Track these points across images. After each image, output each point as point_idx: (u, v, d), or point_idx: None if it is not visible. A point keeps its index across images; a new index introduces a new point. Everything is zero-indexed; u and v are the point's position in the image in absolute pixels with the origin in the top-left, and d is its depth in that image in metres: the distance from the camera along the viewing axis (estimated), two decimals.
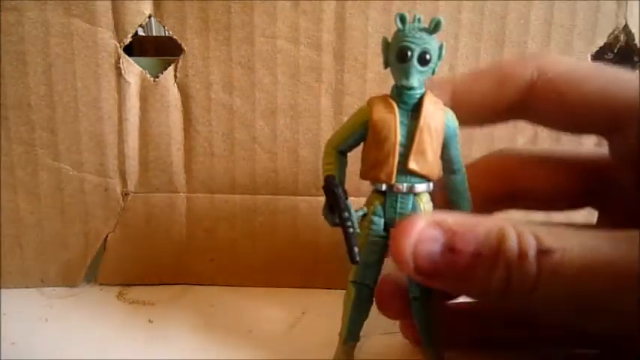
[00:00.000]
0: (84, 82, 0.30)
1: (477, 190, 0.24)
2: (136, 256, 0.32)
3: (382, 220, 0.23)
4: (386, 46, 0.22)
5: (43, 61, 0.29)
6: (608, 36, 0.30)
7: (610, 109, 0.21)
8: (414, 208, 0.22)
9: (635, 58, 0.31)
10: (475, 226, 0.19)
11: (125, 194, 0.32)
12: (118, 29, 0.29)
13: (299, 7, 0.29)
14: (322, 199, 0.32)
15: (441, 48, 0.22)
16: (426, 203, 0.22)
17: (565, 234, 0.18)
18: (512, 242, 0.18)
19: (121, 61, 0.30)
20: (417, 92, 0.21)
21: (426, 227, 0.19)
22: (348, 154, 0.24)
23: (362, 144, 0.23)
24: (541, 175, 0.24)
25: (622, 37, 0.30)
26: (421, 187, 0.22)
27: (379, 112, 0.22)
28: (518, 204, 0.26)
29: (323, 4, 0.29)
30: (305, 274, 0.33)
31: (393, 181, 0.22)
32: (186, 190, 0.32)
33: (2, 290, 0.31)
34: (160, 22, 0.30)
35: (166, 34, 0.30)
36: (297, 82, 0.30)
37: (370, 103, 0.22)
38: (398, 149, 0.21)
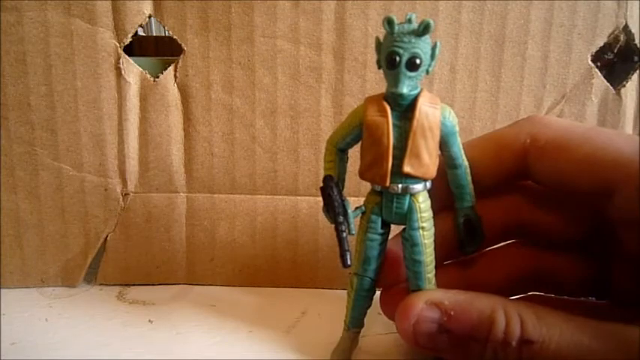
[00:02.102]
0: (84, 82, 0.30)
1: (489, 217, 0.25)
2: (136, 256, 0.32)
3: (379, 219, 0.23)
4: (378, 46, 0.22)
5: (43, 61, 0.29)
6: (608, 36, 0.30)
7: (602, 173, 0.21)
8: (410, 208, 0.22)
9: (635, 58, 0.31)
10: (469, 308, 0.21)
11: (125, 194, 0.32)
12: (118, 29, 0.29)
13: (299, 7, 0.29)
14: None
15: (434, 48, 0.21)
16: (422, 203, 0.23)
17: (550, 322, 0.20)
18: (499, 330, 0.21)
19: (121, 61, 0.30)
20: (410, 96, 0.21)
21: (424, 308, 0.22)
22: (351, 152, 0.24)
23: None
24: (552, 211, 0.25)
25: (622, 37, 0.30)
26: (417, 187, 0.22)
27: (372, 115, 0.22)
28: (526, 236, 0.26)
29: (323, 4, 0.29)
30: (305, 274, 0.33)
31: (388, 183, 0.22)
32: (186, 190, 0.32)
33: (2, 290, 0.31)
34: (160, 22, 0.30)
35: (166, 34, 0.30)
36: (297, 82, 0.30)
37: (365, 103, 0.22)
38: (391, 152, 0.21)
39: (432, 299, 0.22)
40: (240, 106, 0.31)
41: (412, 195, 0.22)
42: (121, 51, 0.30)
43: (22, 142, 0.30)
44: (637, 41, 0.30)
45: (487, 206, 0.25)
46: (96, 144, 0.31)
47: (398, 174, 0.22)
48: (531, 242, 0.26)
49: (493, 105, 0.31)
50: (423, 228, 0.23)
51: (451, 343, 0.22)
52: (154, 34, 0.48)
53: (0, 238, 0.31)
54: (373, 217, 0.23)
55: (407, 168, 0.21)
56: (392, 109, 0.22)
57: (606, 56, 0.31)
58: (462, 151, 0.23)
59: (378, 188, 0.23)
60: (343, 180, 0.24)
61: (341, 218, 0.22)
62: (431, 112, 0.21)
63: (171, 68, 0.30)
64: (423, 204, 0.23)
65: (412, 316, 0.22)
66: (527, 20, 0.30)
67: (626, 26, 0.30)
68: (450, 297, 0.22)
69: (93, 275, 0.33)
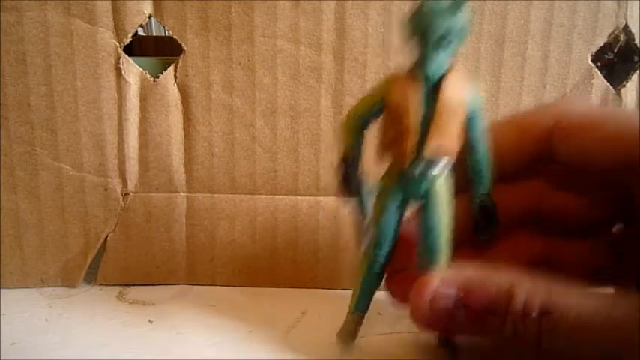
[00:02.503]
0: (84, 82, 0.30)
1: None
2: (136, 256, 0.32)
3: (396, 199, 0.22)
4: (409, 22, 0.21)
5: (43, 61, 0.29)
6: (608, 36, 0.30)
7: (627, 149, 0.21)
8: (429, 190, 0.22)
9: (635, 58, 0.31)
10: (487, 282, 0.21)
11: (125, 194, 0.32)
12: (118, 29, 0.29)
13: (299, 7, 0.29)
14: (322, 199, 0.32)
15: (462, 28, 0.20)
16: (441, 185, 0.22)
17: (569, 292, 0.20)
18: (519, 302, 0.20)
19: (121, 61, 0.30)
20: (435, 74, 0.20)
21: (441, 285, 0.21)
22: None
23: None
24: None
25: (622, 37, 0.30)
26: (437, 168, 0.21)
27: (396, 92, 0.21)
28: (544, 222, 0.26)
29: (323, 4, 0.29)
30: (305, 274, 0.33)
31: (408, 163, 0.21)
32: (186, 190, 0.32)
33: (2, 290, 0.31)
34: (160, 22, 0.30)
35: (166, 34, 0.30)
36: (297, 82, 0.30)
37: (389, 80, 0.21)
38: (413, 131, 0.21)
39: (449, 276, 0.22)
40: (240, 106, 0.31)
41: (432, 176, 0.21)
42: (121, 51, 0.30)
43: (22, 142, 0.30)
44: (637, 41, 0.30)
45: (508, 191, 0.24)
46: (96, 144, 0.31)
47: (418, 155, 0.21)
48: (547, 229, 0.26)
49: (493, 105, 0.31)
50: (441, 211, 0.22)
51: (469, 319, 0.21)
52: (154, 34, 0.48)
53: (0, 238, 0.31)
54: (389, 197, 0.22)
55: (429, 148, 0.21)
56: (416, 86, 0.21)
57: (606, 56, 0.31)
58: (483, 138, 0.22)
59: (396, 167, 0.22)
60: (359, 159, 0.23)
61: (355, 200, 0.22)
62: (457, 92, 0.20)
63: (171, 68, 0.30)
64: (442, 186, 0.22)
65: (428, 292, 0.21)
66: (527, 20, 0.30)
67: (626, 26, 0.30)
68: (467, 273, 0.21)
69: (93, 275, 0.33)
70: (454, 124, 0.21)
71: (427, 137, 0.21)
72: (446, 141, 0.21)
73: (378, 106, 0.22)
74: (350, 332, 0.25)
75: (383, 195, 0.23)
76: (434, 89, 0.20)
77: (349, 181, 0.22)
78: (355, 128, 0.23)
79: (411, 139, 0.21)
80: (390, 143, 0.21)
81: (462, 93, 0.21)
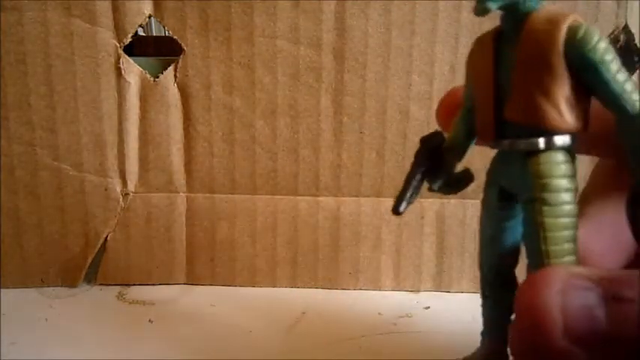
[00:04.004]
0: (84, 82, 0.30)
1: None
2: (136, 256, 0.32)
3: (495, 189, 0.17)
4: None
5: (43, 61, 0.29)
6: (608, 36, 0.30)
7: None
8: (524, 172, 0.16)
9: (635, 58, 0.30)
10: (633, 276, 0.14)
11: (125, 194, 0.32)
12: (118, 29, 0.29)
13: (299, 7, 0.29)
14: (322, 199, 0.32)
15: None
16: (543, 164, 0.15)
17: None
18: None
19: (121, 61, 0.30)
20: (517, 11, 0.16)
21: (573, 276, 0.14)
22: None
23: None
24: None
25: (622, 37, 0.30)
26: (531, 142, 0.15)
27: (474, 49, 0.17)
28: None
29: (323, 4, 0.29)
30: (305, 274, 0.33)
31: (492, 136, 0.16)
32: (186, 190, 0.32)
33: (2, 290, 0.31)
34: (160, 22, 0.30)
35: (166, 34, 0.30)
36: (297, 82, 0.30)
37: (476, 39, 0.17)
38: (494, 91, 0.16)
39: (577, 270, 0.14)
40: (240, 106, 0.31)
41: (527, 153, 0.16)
42: (121, 51, 0.30)
43: (22, 142, 0.30)
44: (637, 41, 0.30)
45: None
46: (96, 144, 0.31)
47: (507, 124, 0.16)
48: None
49: None
50: (543, 201, 0.15)
51: (628, 321, 0.13)
52: (154, 34, 0.48)
53: (0, 238, 0.31)
54: (489, 184, 0.18)
55: (508, 112, 0.16)
56: (498, 36, 0.16)
57: None
58: (630, 93, 0.15)
59: (494, 147, 0.17)
60: (460, 147, 0.18)
61: (418, 168, 0.18)
62: (544, 33, 0.15)
63: (171, 68, 0.30)
64: (544, 166, 0.15)
65: (555, 282, 0.14)
66: None
67: (626, 26, 0.30)
68: (599, 271, 0.14)
69: (93, 275, 0.33)
70: (547, 78, 0.15)
71: (506, 101, 0.16)
72: (537, 101, 0.15)
73: (471, 78, 0.18)
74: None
75: (486, 182, 0.18)
76: (516, 32, 0.16)
77: (420, 158, 0.18)
78: (463, 110, 0.18)
79: (492, 102, 0.16)
80: (478, 116, 0.17)
81: (554, 33, 0.15)
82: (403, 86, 0.30)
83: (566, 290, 0.14)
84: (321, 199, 0.32)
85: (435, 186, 0.19)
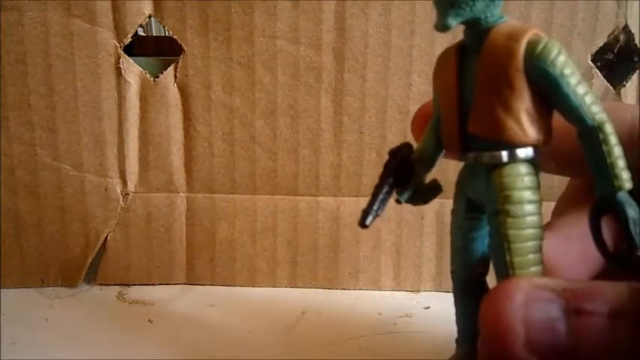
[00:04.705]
0: (84, 82, 0.30)
1: None
2: (136, 256, 0.32)
3: (463, 199, 0.18)
4: None
5: (43, 61, 0.29)
6: (608, 36, 0.30)
7: None
8: (488, 184, 0.16)
9: (635, 58, 0.31)
10: (596, 288, 0.14)
11: (125, 194, 0.32)
12: (118, 29, 0.29)
13: (299, 7, 0.29)
14: (322, 199, 0.32)
15: None
16: (506, 177, 0.16)
17: None
18: None
19: (121, 61, 0.30)
20: (478, 26, 0.16)
21: (535, 286, 0.14)
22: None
23: None
24: None
25: (622, 37, 0.30)
26: (495, 155, 0.16)
27: (440, 61, 0.17)
28: None
29: (323, 4, 0.29)
30: (305, 274, 0.33)
31: (457, 147, 0.17)
32: (186, 190, 0.32)
33: (2, 290, 0.31)
34: (160, 22, 0.30)
35: (166, 34, 0.30)
36: (297, 82, 0.30)
37: (437, 59, 0.18)
38: (458, 104, 0.16)
39: (540, 282, 0.14)
40: (240, 106, 0.31)
41: (491, 166, 0.16)
42: (121, 51, 0.30)
43: (22, 142, 0.30)
44: (637, 41, 0.30)
45: None
46: (96, 144, 0.31)
47: (471, 137, 0.16)
48: None
49: None
50: (507, 212, 0.15)
51: (589, 334, 0.13)
52: (154, 34, 0.48)
53: (0, 238, 0.31)
54: (458, 195, 0.18)
55: (471, 126, 0.16)
56: (462, 50, 0.16)
57: (606, 56, 0.31)
58: (589, 106, 0.15)
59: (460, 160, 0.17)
60: (429, 159, 0.19)
61: (386, 180, 0.18)
62: (504, 49, 0.15)
63: (171, 68, 0.30)
64: (507, 178, 0.16)
65: (518, 294, 0.14)
66: (527, 20, 0.30)
67: (626, 26, 0.30)
68: (563, 282, 0.14)
69: (93, 275, 0.33)
70: (507, 92, 0.15)
71: (470, 114, 0.16)
72: (497, 115, 0.15)
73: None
74: None
75: (455, 193, 0.18)
76: (478, 46, 0.16)
77: (389, 166, 0.18)
78: (432, 122, 0.18)
79: (456, 116, 0.16)
80: (443, 129, 0.17)
81: (514, 47, 0.15)
82: (403, 86, 0.30)
83: (528, 302, 0.14)
84: (321, 199, 0.32)
85: (403, 198, 0.19)
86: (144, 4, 0.29)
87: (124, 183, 0.31)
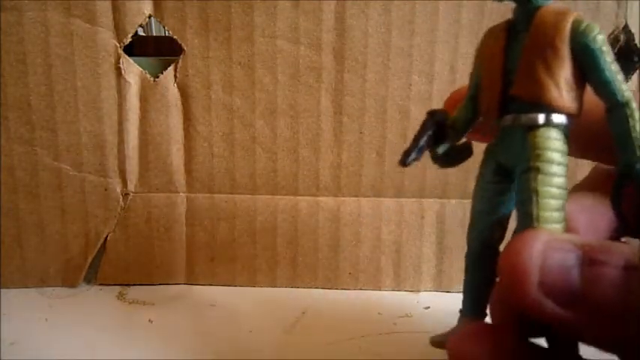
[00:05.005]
0: (84, 82, 0.30)
1: None
2: (136, 256, 0.32)
3: (493, 163, 0.19)
4: None
5: (43, 61, 0.29)
6: (608, 36, 0.30)
7: None
8: (523, 144, 0.17)
9: (635, 58, 0.30)
10: (613, 244, 0.15)
11: (125, 194, 0.32)
12: (118, 29, 0.29)
13: (299, 7, 0.29)
14: (322, 199, 0.32)
15: None
16: (540, 137, 0.17)
17: None
18: None
19: (121, 61, 0.30)
20: (529, 5, 0.17)
21: (554, 239, 0.15)
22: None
23: None
24: None
25: (622, 37, 0.30)
26: (532, 117, 0.17)
27: (486, 38, 0.19)
28: None
29: (323, 4, 0.29)
30: (305, 274, 0.33)
31: (496, 111, 0.18)
32: (186, 190, 0.32)
33: (2, 290, 0.31)
34: (160, 22, 0.30)
35: (166, 34, 0.30)
36: (297, 82, 0.30)
37: (483, 36, 0.19)
38: (502, 73, 0.18)
39: (560, 235, 0.16)
40: (240, 106, 0.31)
41: (527, 128, 0.17)
42: (121, 51, 0.30)
43: (22, 142, 0.30)
44: (637, 41, 0.30)
45: None
46: (96, 144, 0.31)
47: (511, 102, 0.18)
48: None
49: None
50: (538, 169, 0.17)
51: (602, 284, 0.14)
52: (154, 34, 0.48)
53: (0, 238, 0.31)
54: (487, 161, 0.19)
55: (516, 89, 0.17)
56: (509, 27, 0.18)
57: None
58: (620, 83, 0.17)
59: (492, 124, 0.18)
60: (461, 127, 0.20)
61: (425, 130, 0.19)
62: (553, 22, 0.17)
63: (171, 68, 0.30)
64: (541, 139, 0.17)
65: (539, 242, 0.15)
66: None
67: (626, 26, 0.30)
68: (581, 238, 0.15)
69: (93, 275, 0.33)
70: (552, 62, 0.17)
71: (514, 78, 0.17)
72: (541, 81, 0.17)
73: (479, 69, 0.19)
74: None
75: (484, 158, 0.19)
76: (526, 23, 0.17)
77: (421, 127, 0.19)
78: (467, 98, 0.19)
79: (500, 83, 0.18)
80: (484, 98, 0.18)
81: (561, 23, 0.17)
82: (403, 86, 0.30)
83: (546, 249, 0.15)
84: (321, 199, 0.32)
85: (440, 150, 0.20)
86: (144, 4, 0.29)
87: (124, 183, 0.31)
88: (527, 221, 0.16)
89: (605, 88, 0.17)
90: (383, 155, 0.31)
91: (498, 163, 0.19)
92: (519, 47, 0.17)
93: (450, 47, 0.30)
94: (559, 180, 0.17)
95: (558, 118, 0.17)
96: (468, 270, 0.20)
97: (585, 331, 0.15)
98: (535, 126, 0.17)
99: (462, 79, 0.30)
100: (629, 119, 0.16)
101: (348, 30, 0.30)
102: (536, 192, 0.17)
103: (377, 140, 0.31)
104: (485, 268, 0.19)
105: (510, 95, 0.17)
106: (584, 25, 0.16)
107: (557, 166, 0.17)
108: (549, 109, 0.17)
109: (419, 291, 0.32)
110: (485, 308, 0.19)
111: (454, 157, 0.20)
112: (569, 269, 0.14)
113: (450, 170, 0.30)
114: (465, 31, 0.30)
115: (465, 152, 0.21)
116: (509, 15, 0.18)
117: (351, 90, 0.30)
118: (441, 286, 0.32)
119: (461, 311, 0.20)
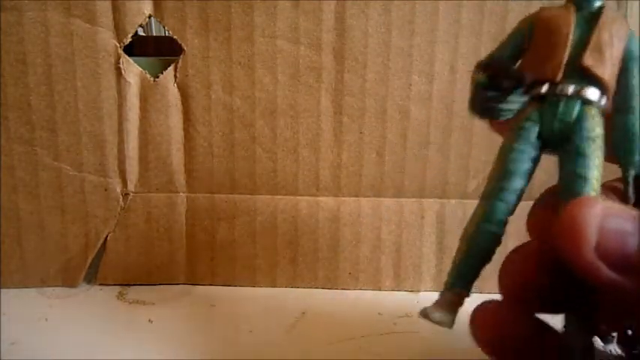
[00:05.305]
0: (84, 82, 0.30)
1: None
2: (136, 256, 0.32)
3: (536, 127, 0.18)
4: None
5: (43, 61, 0.29)
6: None
7: None
8: (581, 116, 0.18)
9: None
10: None
11: (125, 194, 0.32)
12: (118, 29, 0.29)
13: (299, 7, 0.29)
14: (322, 199, 0.32)
15: None
16: (595, 115, 0.18)
17: None
18: None
19: (121, 61, 0.30)
20: (593, 3, 0.18)
21: (610, 204, 0.15)
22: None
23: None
24: None
25: None
26: (592, 93, 0.18)
27: (549, 12, 0.19)
28: None
29: (323, 4, 0.29)
30: (305, 274, 0.33)
31: (559, 77, 0.18)
32: (186, 190, 0.32)
33: (2, 290, 0.31)
34: (160, 22, 0.30)
35: (166, 34, 0.30)
36: (297, 82, 0.30)
37: (537, 12, 0.19)
38: (570, 42, 0.18)
39: (615, 204, 0.16)
40: (240, 106, 0.31)
41: (585, 103, 0.18)
42: (121, 51, 0.30)
43: (22, 142, 0.30)
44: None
45: None
46: (96, 144, 0.31)
47: (574, 71, 0.18)
48: None
49: None
50: (594, 141, 0.17)
51: None
52: (154, 34, 0.48)
53: (0, 238, 0.31)
54: (527, 123, 0.18)
55: (587, 59, 0.18)
56: (574, 9, 0.18)
57: None
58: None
59: (540, 91, 0.18)
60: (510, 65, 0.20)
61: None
62: (619, 22, 0.18)
63: (171, 68, 0.30)
64: (596, 117, 0.18)
65: (598, 206, 0.15)
66: None
67: None
68: (635, 210, 0.16)
69: (93, 275, 0.33)
70: (615, 51, 0.18)
71: (586, 50, 0.18)
72: (606, 58, 0.18)
73: (519, 36, 0.19)
74: (449, 312, 0.20)
75: (520, 120, 0.19)
76: (593, 17, 0.18)
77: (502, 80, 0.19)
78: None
79: (567, 48, 0.18)
80: (541, 59, 0.18)
81: (624, 24, 0.18)
82: (403, 86, 0.30)
83: (605, 214, 0.15)
84: (321, 199, 0.32)
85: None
86: (144, 4, 0.29)
87: (124, 183, 0.31)
88: (581, 185, 0.17)
89: (632, 91, 0.18)
90: (383, 155, 0.31)
91: (541, 129, 0.18)
92: (588, 27, 0.18)
93: (450, 47, 0.30)
94: (601, 161, 0.17)
95: (604, 101, 0.18)
96: (475, 235, 0.19)
97: (637, 299, 0.15)
98: (590, 101, 0.18)
99: (462, 79, 0.30)
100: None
101: (348, 30, 0.30)
102: (596, 161, 0.17)
103: (377, 140, 0.31)
104: (490, 239, 0.19)
105: (576, 65, 0.18)
106: (633, 33, 0.18)
107: (600, 150, 0.17)
108: (604, 88, 0.18)
109: (419, 291, 0.32)
110: (473, 283, 0.20)
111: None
112: (626, 236, 0.14)
113: (450, 170, 0.30)
114: (465, 31, 0.30)
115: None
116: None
117: (351, 90, 0.30)
118: (441, 286, 0.32)
119: (446, 284, 0.20)
